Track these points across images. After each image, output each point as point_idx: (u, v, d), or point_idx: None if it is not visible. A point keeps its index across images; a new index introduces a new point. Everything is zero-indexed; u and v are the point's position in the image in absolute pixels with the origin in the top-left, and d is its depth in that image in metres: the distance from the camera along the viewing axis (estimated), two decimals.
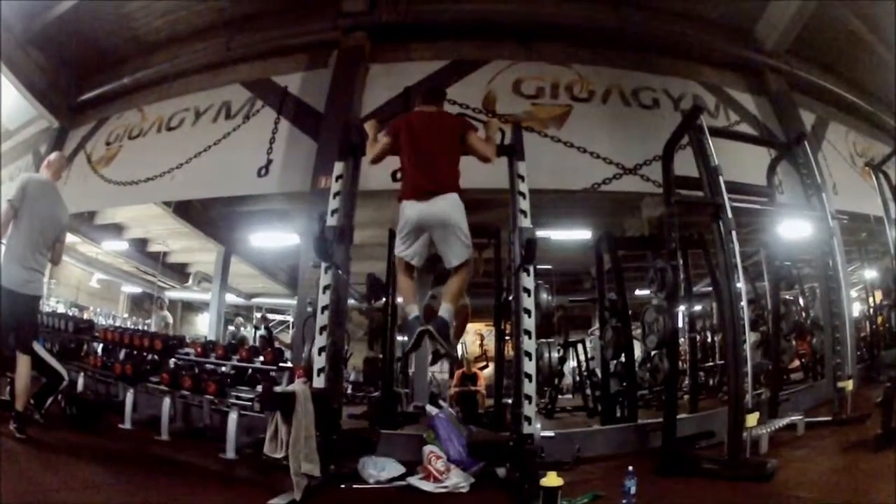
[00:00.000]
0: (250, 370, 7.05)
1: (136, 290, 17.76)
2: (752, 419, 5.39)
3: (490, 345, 10.84)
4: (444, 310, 4.95)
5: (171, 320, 13.49)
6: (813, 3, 8.99)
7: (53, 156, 6.45)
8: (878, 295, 11.39)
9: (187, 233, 13.02)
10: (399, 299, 5.50)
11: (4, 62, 9.44)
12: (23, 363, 5.49)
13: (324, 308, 5.25)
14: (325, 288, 5.29)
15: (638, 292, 9.94)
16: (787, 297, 8.90)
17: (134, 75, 10.44)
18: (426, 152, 5.06)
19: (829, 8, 9.21)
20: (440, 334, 4.82)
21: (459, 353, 10.18)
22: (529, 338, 4.87)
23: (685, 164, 6.41)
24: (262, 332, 14.16)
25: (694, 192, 6.26)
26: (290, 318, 15.94)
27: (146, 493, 4.43)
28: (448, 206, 4.93)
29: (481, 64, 9.08)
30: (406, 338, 5.24)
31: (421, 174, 5.03)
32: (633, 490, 4.18)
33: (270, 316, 17.86)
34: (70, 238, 13.57)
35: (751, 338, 6.40)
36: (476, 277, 6.10)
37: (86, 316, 13.55)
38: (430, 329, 4.78)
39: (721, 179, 5.95)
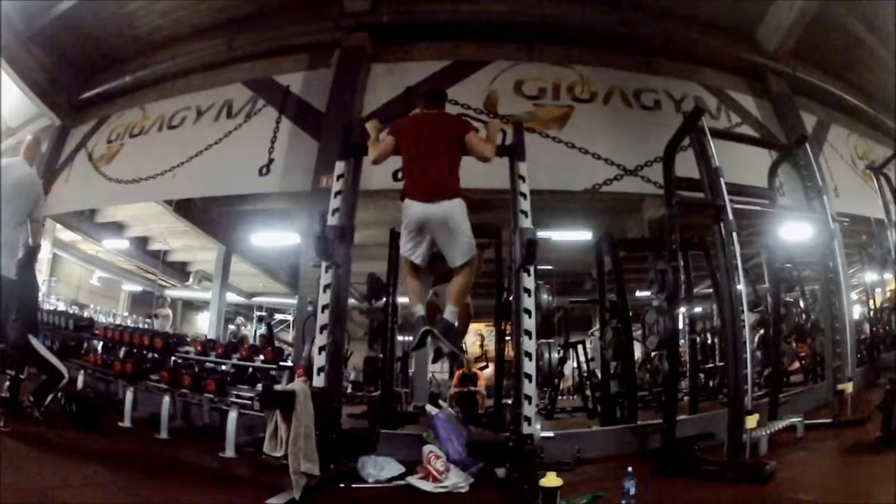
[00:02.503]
0: (250, 369, 7.05)
1: (137, 288, 17.78)
2: (751, 421, 5.39)
3: (490, 345, 10.83)
4: (449, 312, 5.09)
5: (169, 313, 13.50)
6: (814, 6, 8.99)
7: (27, 139, 6.33)
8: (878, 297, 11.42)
9: (188, 231, 13.04)
10: (406, 298, 5.53)
11: (6, 60, 9.45)
12: None
13: (324, 307, 5.25)
14: (326, 287, 5.29)
15: (638, 293, 9.94)
16: (788, 299, 8.89)
17: (135, 74, 10.45)
18: (428, 154, 5.11)
19: (831, 11, 9.22)
20: (445, 336, 4.97)
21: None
22: (530, 338, 4.87)
23: (686, 165, 6.42)
24: (263, 330, 14.16)
25: (695, 193, 6.26)
26: (290, 317, 15.96)
27: (145, 491, 4.42)
28: (450, 207, 4.98)
29: (483, 64, 9.08)
30: (411, 337, 5.32)
31: (423, 175, 5.09)
32: (632, 491, 4.18)
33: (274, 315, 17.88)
34: (71, 236, 13.72)
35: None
36: (477, 278, 6.11)
37: (86, 314, 13.54)
38: (433, 331, 4.94)
39: (722, 181, 5.96)
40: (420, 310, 5.17)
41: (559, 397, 11.39)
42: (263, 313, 17.03)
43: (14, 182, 5.69)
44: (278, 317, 16.89)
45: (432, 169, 5.08)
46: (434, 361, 7.27)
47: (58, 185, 10.53)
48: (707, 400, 9.33)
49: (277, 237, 12.67)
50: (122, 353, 7.64)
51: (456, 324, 5.13)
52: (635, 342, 8.06)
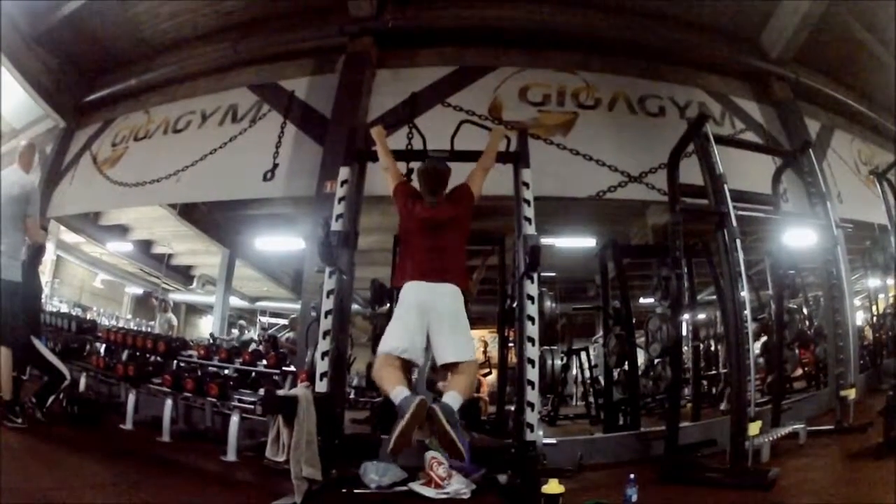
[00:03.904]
0: (253, 373, 7.07)
1: (140, 291, 17.82)
2: (754, 428, 5.39)
3: (493, 351, 10.81)
4: (452, 398, 4.29)
5: (175, 322, 13.50)
6: (818, 11, 8.98)
7: (21, 145, 6.35)
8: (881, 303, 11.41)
9: (192, 235, 13.07)
10: (381, 386, 4.52)
11: (11, 61, 9.49)
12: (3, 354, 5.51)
13: (327, 313, 5.25)
14: (329, 292, 5.29)
15: (642, 300, 9.94)
16: (791, 305, 8.88)
17: (140, 77, 10.47)
18: (433, 254, 4.78)
19: (835, 15, 9.21)
20: (447, 421, 4.06)
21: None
22: (533, 345, 4.87)
23: (690, 172, 6.42)
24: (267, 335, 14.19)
25: (699, 200, 6.26)
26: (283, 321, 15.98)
27: (146, 493, 4.44)
28: (454, 292, 4.70)
29: (488, 70, 9.07)
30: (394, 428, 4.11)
31: (426, 264, 4.76)
32: (634, 498, 4.19)
33: (274, 320, 17.90)
34: (74, 238, 13.76)
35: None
36: (481, 284, 6.11)
37: (89, 316, 13.57)
38: (433, 408, 4.08)
39: (726, 188, 5.96)
40: (400, 392, 4.18)
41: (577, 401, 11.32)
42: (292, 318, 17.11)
43: (9, 190, 5.71)
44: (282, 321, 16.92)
45: (438, 261, 4.76)
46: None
47: (62, 188, 10.58)
48: (710, 407, 9.31)
49: (281, 242, 12.70)
50: (124, 355, 7.67)
51: (457, 415, 4.27)
52: (638, 349, 8.06)
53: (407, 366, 4.54)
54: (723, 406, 8.53)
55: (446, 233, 4.86)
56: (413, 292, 4.67)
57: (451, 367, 4.48)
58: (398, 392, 4.19)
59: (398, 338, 4.52)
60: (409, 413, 3.97)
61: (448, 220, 4.89)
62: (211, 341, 10.71)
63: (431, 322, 4.53)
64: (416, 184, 5.19)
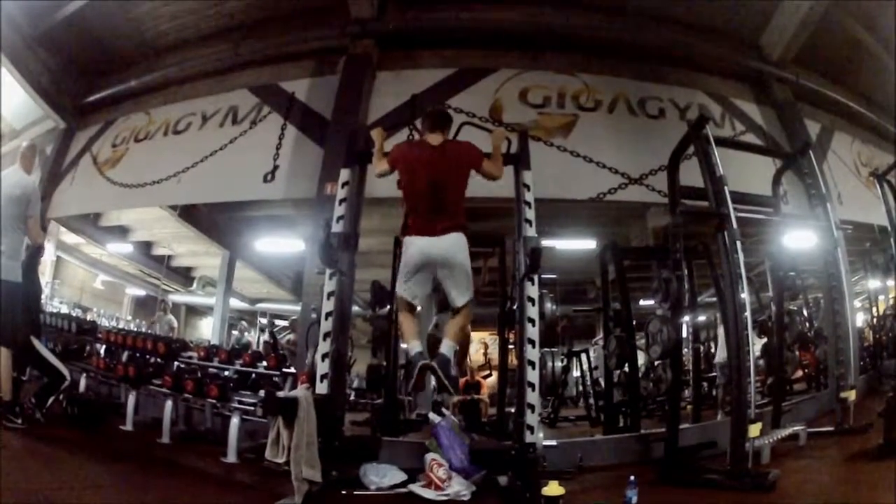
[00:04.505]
0: (253, 375, 7.07)
1: (140, 292, 17.81)
2: (754, 429, 5.38)
3: (494, 353, 10.81)
4: (446, 346, 4.84)
5: (175, 324, 13.49)
6: (818, 13, 8.99)
7: (22, 146, 6.35)
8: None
9: (192, 237, 13.07)
10: (401, 337, 5.42)
11: (12, 61, 9.49)
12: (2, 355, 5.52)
13: (328, 314, 5.25)
14: (330, 294, 5.30)
15: (642, 302, 9.93)
16: (792, 307, 8.87)
17: (141, 78, 10.49)
18: (432, 189, 4.88)
19: (834, 17, 9.23)
20: (443, 371, 4.72)
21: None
22: (533, 347, 4.88)
23: (690, 174, 6.42)
24: (266, 336, 14.17)
25: (699, 202, 6.26)
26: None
27: (146, 494, 4.45)
28: (455, 244, 4.85)
29: (488, 72, 9.09)
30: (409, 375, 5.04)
31: (427, 211, 4.91)
32: (634, 500, 4.19)
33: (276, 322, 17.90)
34: (75, 239, 13.76)
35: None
36: (481, 286, 6.11)
37: (89, 317, 13.56)
38: (432, 365, 4.71)
39: (726, 189, 5.95)
40: (415, 346, 4.90)
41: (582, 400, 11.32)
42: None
43: (10, 190, 5.71)
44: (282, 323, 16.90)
45: (437, 206, 4.89)
46: (438, 393, 7.23)
47: (62, 188, 10.58)
48: (710, 409, 9.31)
49: (282, 244, 12.71)
50: (124, 356, 7.67)
51: (453, 359, 4.90)
52: (639, 351, 8.05)
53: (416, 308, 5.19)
54: (719, 417, 8.53)
55: (447, 167, 4.95)
56: (417, 248, 4.88)
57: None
58: (412, 346, 4.90)
59: (408, 288, 4.99)
60: (415, 374, 4.74)
61: (449, 151, 5.03)
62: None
63: (438, 273, 4.91)
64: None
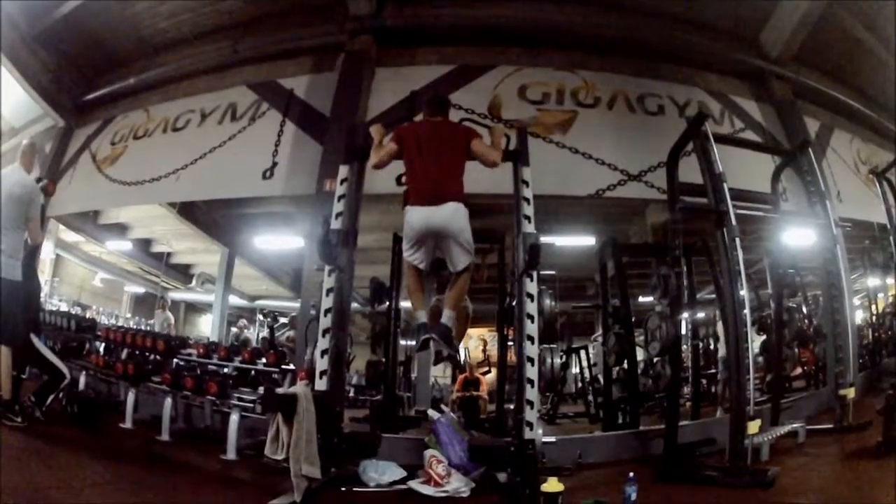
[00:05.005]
0: (253, 372, 7.06)
1: (140, 290, 17.80)
2: (753, 426, 5.39)
3: (493, 350, 10.81)
4: (446, 316, 5.12)
5: (172, 320, 13.48)
6: (818, 10, 8.99)
7: (23, 144, 6.35)
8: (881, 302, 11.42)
9: (191, 234, 13.06)
10: (409, 303, 5.47)
11: (10, 60, 9.49)
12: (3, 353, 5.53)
13: (327, 311, 5.25)
14: (329, 291, 5.29)
15: (641, 299, 9.93)
16: (791, 304, 8.87)
17: (140, 76, 10.48)
18: (431, 159, 5.07)
19: (834, 15, 9.23)
20: (443, 339, 5.04)
21: (462, 356, 10.22)
22: (532, 343, 4.87)
23: (690, 170, 6.42)
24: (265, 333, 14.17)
25: (698, 198, 6.26)
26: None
27: (146, 492, 4.44)
28: (452, 214, 4.95)
29: (487, 69, 9.07)
30: (413, 342, 5.47)
31: (426, 182, 5.05)
32: (633, 496, 4.19)
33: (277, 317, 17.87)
34: (74, 237, 13.75)
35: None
36: (480, 283, 6.10)
37: (88, 315, 13.56)
38: (433, 336, 5.01)
39: (725, 186, 5.96)
40: (421, 315, 5.22)
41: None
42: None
43: (11, 189, 5.71)
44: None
45: (435, 172, 5.04)
46: (435, 364, 7.34)
47: (61, 186, 10.55)
48: (709, 405, 9.31)
49: (281, 240, 12.69)
50: (124, 354, 7.66)
51: (453, 328, 5.18)
52: (638, 347, 8.05)
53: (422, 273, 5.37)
54: (719, 414, 8.53)
55: (446, 140, 5.21)
56: (418, 218, 5.04)
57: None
58: (419, 315, 5.25)
59: (413, 254, 5.21)
60: (418, 343, 5.16)
61: (447, 129, 5.41)
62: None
63: (439, 241, 5.11)
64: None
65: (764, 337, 8.59)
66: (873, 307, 11.38)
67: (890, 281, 11.08)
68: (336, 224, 5.45)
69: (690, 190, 6.34)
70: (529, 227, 5.17)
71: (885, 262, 9.55)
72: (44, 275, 11.67)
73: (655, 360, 7.60)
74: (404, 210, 5.15)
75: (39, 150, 8.48)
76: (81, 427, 6.17)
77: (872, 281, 11.46)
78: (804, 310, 9.72)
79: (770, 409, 6.97)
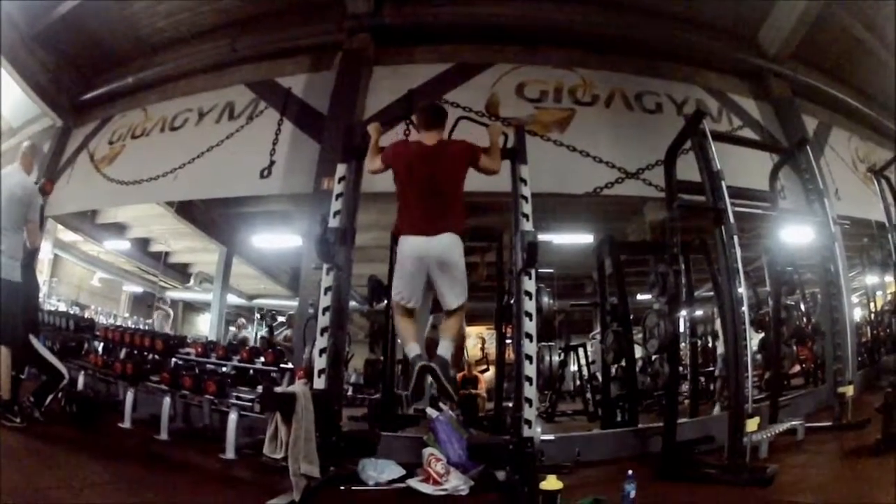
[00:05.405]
0: (251, 371, 7.06)
1: (138, 289, 17.79)
2: (752, 424, 5.40)
3: (491, 348, 10.80)
4: (444, 348, 4.88)
5: (171, 312, 13.49)
6: (816, 8, 9.00)
7: (24, 145, 6.35)
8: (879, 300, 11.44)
9: (189, 233, 13.03)
10: (399, 339, 5.30)
11: (8, 59, 9.48)
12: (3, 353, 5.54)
13: (325, 310, 5.25)
14: (327, 289, 5.29)
15: (639, 297, 9.94)
16: (789, 302, 8.89)
17: (138, 75, 10.47)
18: (428, 190, 4.87)
19: (833, 13, 9.23)
20: (442, 373, 4.73)
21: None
22: (530, 341, 4.87)
23: (688, 168, 6.42)
24: (264, 332, 14.17)
25: (696, 196, 6.26)
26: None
27: (145, 492, 4.45)
28: (449, 245, 4.83)
29: (485, 67, 9.07)
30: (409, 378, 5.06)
31: (423, 212, 4.87)
32: (632, 494, 4.19)
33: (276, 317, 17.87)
34: (72, 236, 13.73)
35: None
36: (479, 281, 6.08)
37: (87, 315, 13.55)
38: (431, 367, 4.69)
39: (723, 184, 5.96)
40: (413, 348, 4.85)
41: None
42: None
43: (12, 190, 5.72)
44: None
45: (433, 206, 4.87)
46: (419, 399, 7.23)
47: (59, 186, 10.53)
48: (708, 403, 9.32)
49: (279, 239, 12.66)
50: (122, 354, 7.67)
51: (450, 359, 4.97)
52: (636, 345, 8.06)
53: (414, 311, 5.04)
54: (716, 411, 8.54)
55: (443, 167, 4.93)
56: (411, 248, 4.85)
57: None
58: (410, 348, 4.86)
59: (403, 292, 4.94)
60: (414, 376, 4.72)
61: (444, 152, 5.00)
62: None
63: (432, 274, 4.83)
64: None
65: (762, 335, 8.61)
66: (872, 305, 11.41)
67: (888, 279, 11.09)
68: (334, 222, 5.44)
69: (688, 188, 6.34)
70: (527, 226, 5.16)
71: (884, 260, 9.56)
72: (42, 275, 11.64)
73: (654, 357, 7.61)
74: (397, 239, 5.06)
75: (39, 152, 8.51)
76: (80, 427, 6.17)
77: (871, 279, 11.49)
78: (802, 307, 9.73)
79: (769, 407, 6.99)
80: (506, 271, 7.73)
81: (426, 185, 4.88)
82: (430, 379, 4.87)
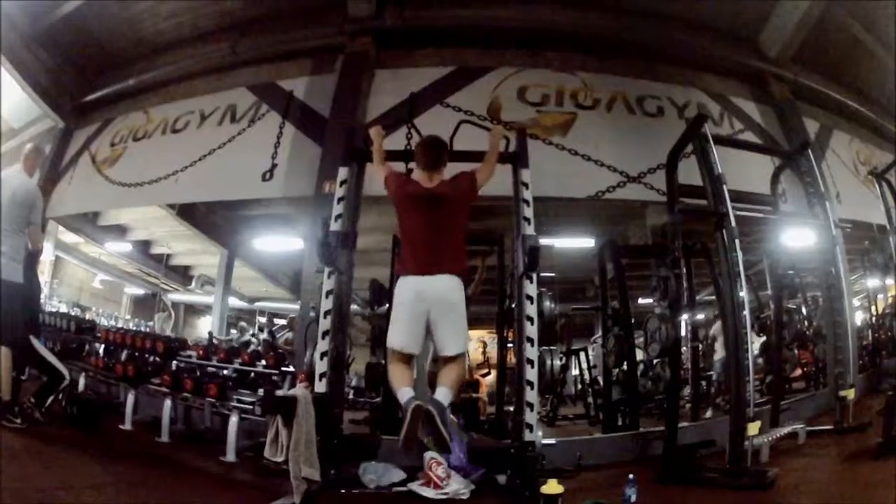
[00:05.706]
0: (252, 374, 7.07)
1: (139, 291, 17.80)
2: (753, 428, 5.39)
3: (492, 352, 10.81)
4: (442, 395, 4.41)
5: (172, 312, 13.52)
6: (817, 11, 8.99)
7: (27, 147, 6.37)
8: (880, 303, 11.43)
9: (191, 235, 13.05)
10: (391, 384, 4.60)
11: (10, 61, 9.49)
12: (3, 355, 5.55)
13: (326, 313, 5.25)
14: (328, 293, 5.29)
15: (641, 301, 9.94)
16: (790, 305, 8.88)
17: (139, 77, 10.46)
18: (428, 233, 4.72)
19: (834, 15, 9.22)
20: (440, 421, 4.23)
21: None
22: (532, 345, 4.87)
23: (689, 172, 6.42)
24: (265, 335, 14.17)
25: (698, 200, 6.27)
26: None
27: (146, 494, 4.45)
28: (450, 285, 4.61)
29: (487, 70, 9.06)
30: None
31: (423, 252, 4.70)
32: (633, 498, 4.20)
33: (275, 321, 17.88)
34: (73, 238, 13.75)
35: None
36: (480, 285, 6.06)
37: (88, 316, 13.57)
38: (427, 409, 4.17)
39: (725, 188, 5.96)
40: (406, 392, 4.35)
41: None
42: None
43: (15, 191, 5.73)
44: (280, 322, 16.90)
45: (433, 244, 4.69)
46: (408, 451, 6.35)
47: (61, 188, 10.56)
48: (709, 407, 9.32)
49: (280, 242, 12.67)
50: (123, 356, 7.67)
51: (449, 411, 4.57)
52: (637, 349, 8.06)
53: (411, 358, 4.64)
54: (709, 414, 8.55)
55: (444, 212, 4.73)
56: (411, 289, 4.58)
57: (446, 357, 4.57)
58: (403, 393, 4.34)
59: (399, 337, 4.57)
60: (407, 419, 4.14)
61: (446, 197, 4.76)
62: (209, 339, 10.71)
63: (430, 317, 4.50)
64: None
65: (764, 338, 8.61)
66: (873, 308, 11.38)
67: (889, 282, 11.07)
68: (335, 226, 5.45)
69: (690, 192, 6.35)
70: (529, 229, 5.17)
71: (885, 263, 9.53)
72: (43, 276, 11.66)
73: (655, 361, 7.62)
74: (397, 273, 4.85)
75: (42, 154, 8.53)
76: (81, 428, 6.16)
77: (872, 282, 11.47)
78: (804, 311, 9.73)
79: (770, 411, 6.98)
80: (507, 275, 7.73)
81: (426, 227, 4.72)
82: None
